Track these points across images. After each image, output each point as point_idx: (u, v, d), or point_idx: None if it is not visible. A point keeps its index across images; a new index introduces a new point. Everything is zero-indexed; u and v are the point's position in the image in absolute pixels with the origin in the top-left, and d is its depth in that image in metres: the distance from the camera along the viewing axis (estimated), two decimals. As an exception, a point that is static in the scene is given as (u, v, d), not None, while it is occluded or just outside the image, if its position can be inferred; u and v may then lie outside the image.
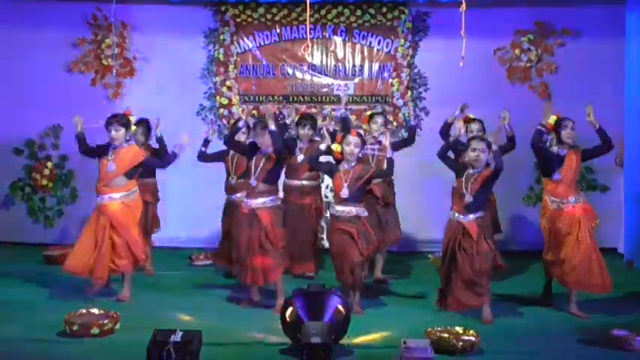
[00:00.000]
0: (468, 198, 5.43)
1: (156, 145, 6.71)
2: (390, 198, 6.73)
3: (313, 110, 8.06)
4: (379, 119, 6.79)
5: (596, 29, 7.96)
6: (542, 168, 6.10)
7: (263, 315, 5.55)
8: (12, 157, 8.19)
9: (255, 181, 5.74)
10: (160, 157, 6.72)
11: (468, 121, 6.62)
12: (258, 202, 5.73)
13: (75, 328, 5.01)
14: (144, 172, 6.73)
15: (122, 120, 6.04)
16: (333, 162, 5.92)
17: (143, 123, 6.89)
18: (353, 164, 5.72)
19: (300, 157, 6.72)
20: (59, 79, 8.12)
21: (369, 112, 7.14)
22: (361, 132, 6.17)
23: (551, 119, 5.84)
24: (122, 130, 6.00)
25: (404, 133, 7.98)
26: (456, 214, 5.52)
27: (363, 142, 5.87)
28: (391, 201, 6.74)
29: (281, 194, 6.32)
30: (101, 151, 6.05)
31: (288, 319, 4.83)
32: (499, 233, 6.75)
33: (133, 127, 6.23)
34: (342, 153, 5.72)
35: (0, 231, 8.15)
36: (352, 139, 5.71)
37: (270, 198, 5.79)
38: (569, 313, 5.67)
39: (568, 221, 5.69)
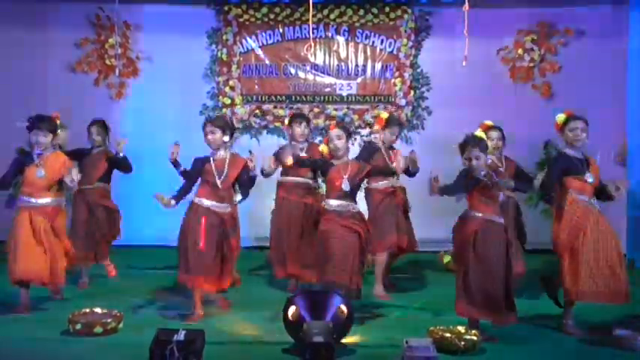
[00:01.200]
0: (502, 197, 5.21)
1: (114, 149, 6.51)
2: (407, 206, 6.51)
3: (315, 110, 8.07)
4: (396, 129, 6.38)
5: (598, 28, 7.97)
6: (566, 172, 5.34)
7: (265, 314, 5.55)
8: (16, 156, 8.20)
9: (220, 182, 5.48)
10: (122, 167, 6.50)
11: (486, 128, 6.53)
12: (222, 205, 5.51)
13: (78, 327, 5.02)
14: (104, 177, 6.54)
15: (51, 126, 5.65)
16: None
17: (99, 123, 6.59)
18: (345, 159, 5.55)
19: (301, 155, 6.28)
20: (62, 79, 8.15)
21: (385, 114, 6.67)
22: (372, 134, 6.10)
23: (560, 118, 5.40)
24: (50, 137, 5.64)
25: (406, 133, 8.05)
26: (488, 215, 5.01)
27: (348, 134, 5.63)
28: (408, 209, 6.52)
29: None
30: (22, 166, 5.67)
31: (290, 319, 4.84)
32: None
33: (57, 132, 5.83)
34: (330, 152, 5.55)
35: (3, 230, 8.14)
36: (332, 133, 5.53)
37: (230, 203, 5.59)
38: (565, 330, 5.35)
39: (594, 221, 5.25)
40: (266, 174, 6.25)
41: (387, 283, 6.55)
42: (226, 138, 5.56)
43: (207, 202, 5.51)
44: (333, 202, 5.50)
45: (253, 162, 5.52)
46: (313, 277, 5.89)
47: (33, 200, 5.59)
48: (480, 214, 5.00)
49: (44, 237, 5.53)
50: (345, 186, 5.45)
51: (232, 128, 5.77)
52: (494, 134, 6.39)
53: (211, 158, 5.55)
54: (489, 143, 6.39)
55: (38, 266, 5.48)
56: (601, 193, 5.33)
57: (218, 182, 5.49)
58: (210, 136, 5.51)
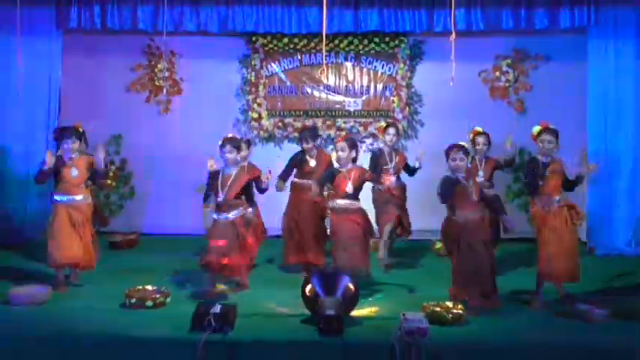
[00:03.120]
0: (474, 198, 5.03)
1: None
2: (403, 199, 6.56)
3: (327, 123, 8.07)
4: (392, 130, 6.52)
5: (563, 54, 7.92)
6: (529, 183, 5.41)
7: (287, 292, 5.54)
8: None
9: (223, 197, 5.37)
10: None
11: (476, 134, 6.52)
12: (231, 214, 5.38)
13: (133, 300, 5.06)
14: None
15: (78, 133, 5.65)
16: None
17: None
18: (349, 165, 5.54)
19: (313, 162, 6.33)
20: (120, 97, 8.21)
21: (384, 124, 6.77)
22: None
23: (535, 129, 5.38)
24: (77, 143, 5.58)
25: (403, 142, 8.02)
26: (469, 214, 5.02)
27: (353, 145, 5.58)
28: (404, 202, 6.57)
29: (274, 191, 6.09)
30: (55, 170, 5.50)
31: (307, 295, 4.84)
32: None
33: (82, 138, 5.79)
34: (337, 160, 5.57)
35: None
36: (337, 145, 5.58)
37: (239, 210, 5.42)
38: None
39: (554, 217, 5.26)
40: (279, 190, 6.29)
41: (389, 263, 6.57)
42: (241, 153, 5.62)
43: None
44: (340, 201, 5.55)
45: (269, 178, 5.50)
46: (320, 260, 6.11)
47: (72, 198, 5.49)
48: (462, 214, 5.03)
49: (80, 228, 5.47)
50: (349, 189, 5.51)
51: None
52: (480, 139, 6.40)
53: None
54: (477, 147, 6.42)
55: (73, 252, 5.42)
56: (571, 184, 5.32)
57: (220, 195, 5.39)
58: (228, 155, 5.43)
